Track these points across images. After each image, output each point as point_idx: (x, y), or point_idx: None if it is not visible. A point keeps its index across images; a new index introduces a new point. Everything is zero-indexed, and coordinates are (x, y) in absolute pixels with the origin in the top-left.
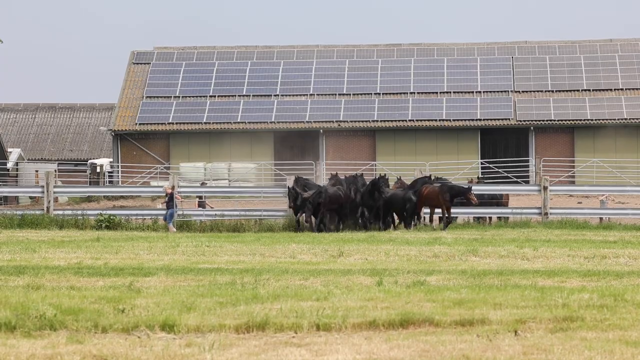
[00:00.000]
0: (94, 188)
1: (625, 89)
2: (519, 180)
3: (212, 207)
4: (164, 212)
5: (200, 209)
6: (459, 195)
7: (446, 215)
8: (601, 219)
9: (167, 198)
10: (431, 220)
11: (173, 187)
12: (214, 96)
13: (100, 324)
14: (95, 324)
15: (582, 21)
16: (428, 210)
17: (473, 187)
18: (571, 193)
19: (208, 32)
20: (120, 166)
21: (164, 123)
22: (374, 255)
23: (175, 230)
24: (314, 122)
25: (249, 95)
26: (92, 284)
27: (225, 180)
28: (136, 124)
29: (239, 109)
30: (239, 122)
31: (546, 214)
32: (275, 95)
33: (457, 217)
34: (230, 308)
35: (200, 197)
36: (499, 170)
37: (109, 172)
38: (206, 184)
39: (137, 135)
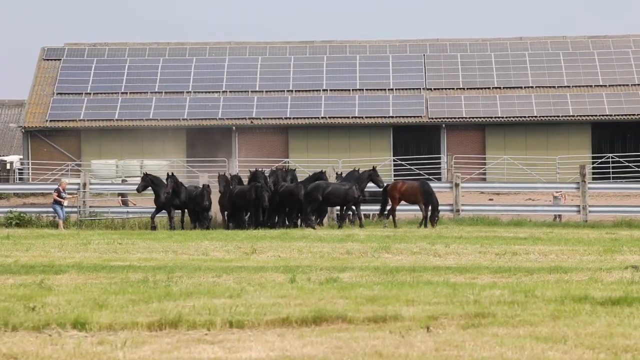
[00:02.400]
0: (4, 185)
1: (535, 87)
2: (431, 177)
3: (134, 204)
4: (65, 209)
5: (124, 206)
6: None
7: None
8: (559, 217)
9: (64, 194)
10: (393, 215)
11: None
12: (126, 93)
13: (10, 322)
14: (5, 322)
15: (493, 19)
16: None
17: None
18: (482, 190)
19: (119, 29)
20: (30, 163)
21: (75, 120)
22: (287, 252)
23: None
24: (227, 119)
25: (161, 92)
26: (2, 282)
27: (138, 178)
28: (47, 120)
29: (151, 105)
30: (151, 119)
31: (458, 210)
32: (187, 92)
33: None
34: (142, 305)
35: (123, 195)
36: (411, 167)
37: (19, 169)
38: (127, 181)
39: (48, 132)
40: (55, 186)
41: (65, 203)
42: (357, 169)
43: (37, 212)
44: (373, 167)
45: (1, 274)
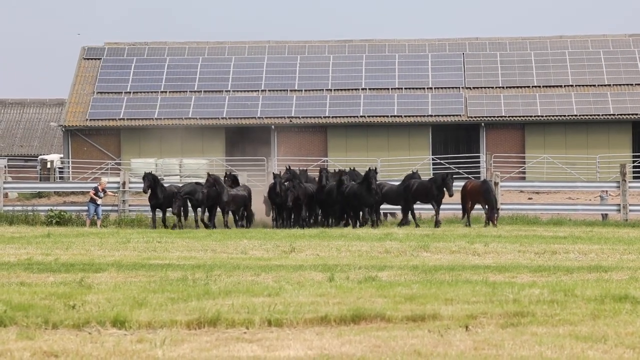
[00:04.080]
0: (45, 184)
1: (575, 85)
2: (470, 176)
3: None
4: (104, 207)
5: None
6: None
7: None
8: (605, 216)
9: (101, 194)
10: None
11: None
12: (165, 92)
13: (50, 320)
14: (46, 320)
15: (533, 18)
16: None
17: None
18: (522, 189)
19: (158, 28)
20: (70, 162)
21: (115, 119)
22: (326, 251)
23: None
24: (266, 117)
25: (201, 91)
26: (42, 280)
27: (177, 177)
28: (87, 119)
29: (190, 104)
30: (190, 118)
31: (497, 209)
32: (226, 91)
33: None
34: (181, 304)
35: None
36: (450, 166)
37: (59, 168)
38: (163, 179)
39: (88, 131)
40: (95, 184)
41: (99, 202)
42: (415, 171)
43: (78, 211)
44: (447, 173)
45: (42, 272)
